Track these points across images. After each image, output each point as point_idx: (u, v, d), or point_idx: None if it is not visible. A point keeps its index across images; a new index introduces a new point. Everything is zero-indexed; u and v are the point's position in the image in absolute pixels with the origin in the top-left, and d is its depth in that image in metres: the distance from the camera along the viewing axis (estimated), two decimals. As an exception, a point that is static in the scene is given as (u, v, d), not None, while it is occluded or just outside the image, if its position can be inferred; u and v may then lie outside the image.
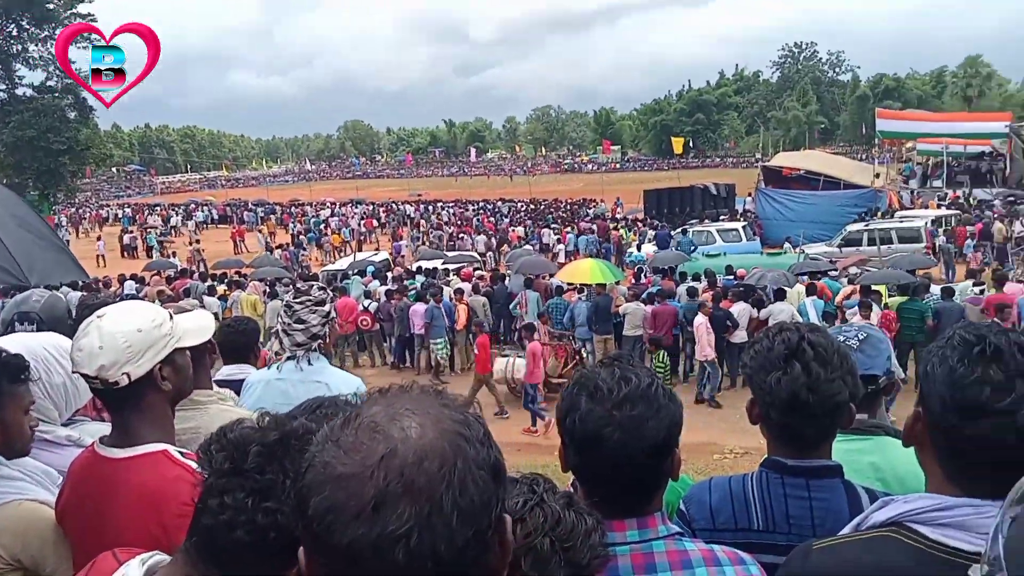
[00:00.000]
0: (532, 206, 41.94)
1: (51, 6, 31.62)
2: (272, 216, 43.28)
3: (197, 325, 1.91)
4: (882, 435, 1.93)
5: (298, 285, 3.03)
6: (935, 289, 12.40)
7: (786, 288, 12.50)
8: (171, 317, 1.77)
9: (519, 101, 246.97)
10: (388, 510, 0.68)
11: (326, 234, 33.89)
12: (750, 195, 31.42)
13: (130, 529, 1.56)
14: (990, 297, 11.69)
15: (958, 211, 24.38)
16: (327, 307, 2.86)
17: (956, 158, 32.28)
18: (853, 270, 15.07)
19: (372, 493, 0.69)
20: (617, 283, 14.48)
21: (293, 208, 47.33)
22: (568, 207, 40.85)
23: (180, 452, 1.67)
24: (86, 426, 2.24)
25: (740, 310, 11.76)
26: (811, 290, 12.67)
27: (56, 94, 32.88)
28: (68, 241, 35.45)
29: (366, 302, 14.63)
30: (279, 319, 2.88)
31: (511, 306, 14.06)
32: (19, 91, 32.91)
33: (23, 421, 1.87)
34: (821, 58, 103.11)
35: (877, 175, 30.35)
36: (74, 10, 32.30)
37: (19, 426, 1.86)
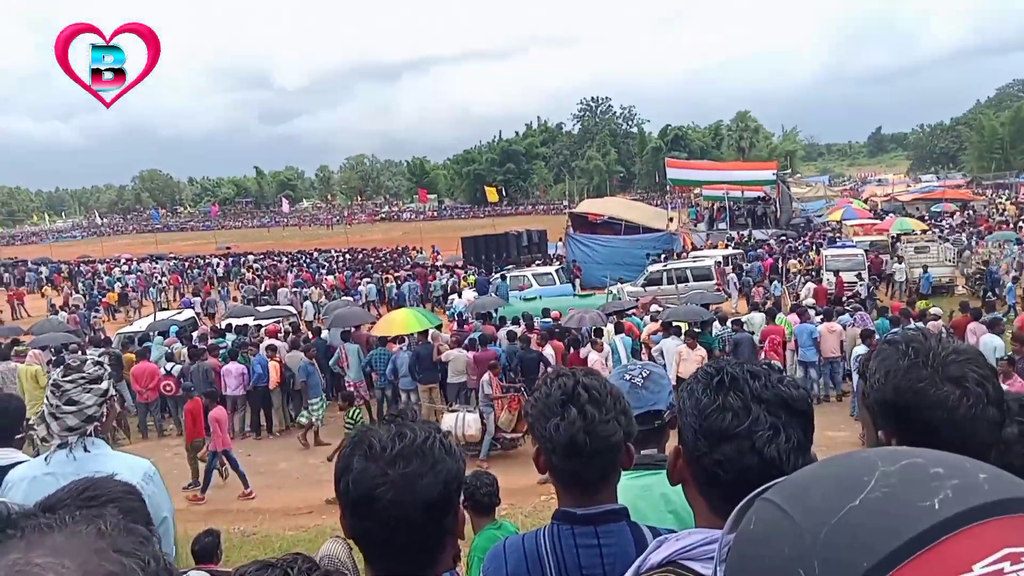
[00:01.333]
0: (350, 256, 41.26)
1: None
2: (53, 276, 39.13)
3: None
4: None
5: (68, 361, 2.67)
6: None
7: (603, 328, 13.19)
8: None
9: (331, 150, 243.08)
10: None
11: (125, 293, 31.13)
12: (560, 240, 33.02)
13: None
14: (765, 329, 13.08)
15: (741, 250, 27.15)
16: (104, 384, 2.56)
17: (736, 202, 36.07)
18: (654, 307, 16.20)
19: None
20: (438, 328, 14.51)
21: (82, 266, 43.09)
22: (388, 256, 40.62)
23: None
24: None
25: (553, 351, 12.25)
26: (619, 328, 13.47)
27: None
28: None
29: (168, 365, 13.53)
30: (45, 401, 2.53)
31: (331, 361, 13.62)
32: None
33: None
34: (615, 112, 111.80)
35: (671, 219, 33.13)
36: None
37: None
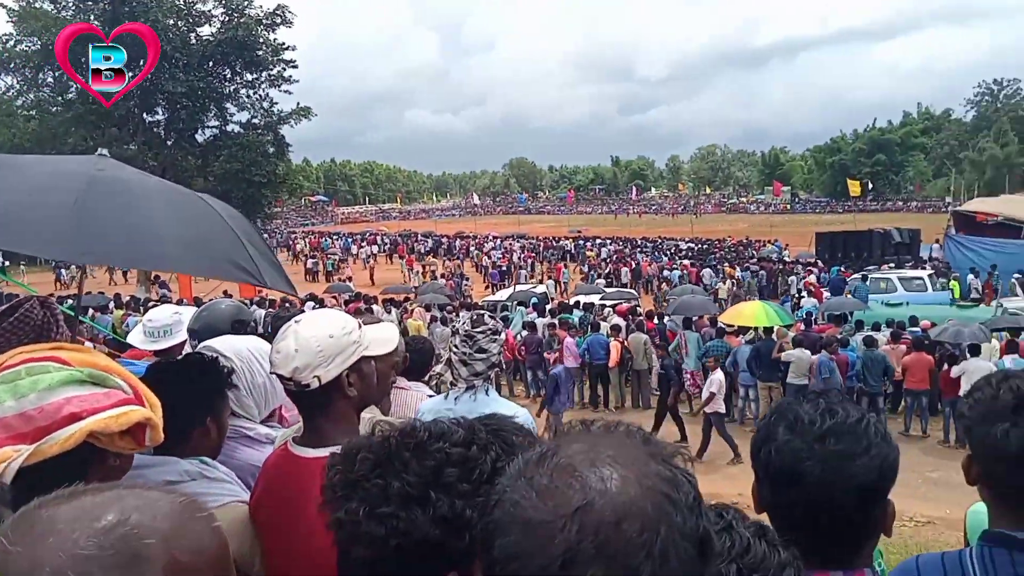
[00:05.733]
0: (694, 245, 41.03)
1: (260, 53, 35.42)
2: (439, 247, 45.52)
3: (383, 336, 1.94)
4: None
5: (471, 314, 2.96)
6: None
7: (981, 344, 11.31)
8: (360, 326, 1.81)
9: (683, 140, 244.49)
10: (578, 570, 0.62)
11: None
12: (937, 242, 28.94)
13: (319, 527, 1.63)
14: None
15: None
16: (502, 336, 2.85)
17: None
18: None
19: (563, 548, 0.62)
20: (788, 327, 13.73)
21: (459, 240, 49.26)
22: (732, 248, 39.55)
23: None
24: (280, 430, 2.33)
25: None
26: (1012, 347, 11.40)
27: (259, 131, 36.54)
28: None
29: (524, 333, 14.84)
30: (455, 348, 2.83)
31: (670, 347, 13.71)
32: (229, 128, 36.93)
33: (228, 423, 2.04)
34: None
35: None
36: (280, 56, 36.03)
37: (227, 428, 2.04)
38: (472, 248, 44.01)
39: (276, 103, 37.14)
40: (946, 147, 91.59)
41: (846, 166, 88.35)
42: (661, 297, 23.58)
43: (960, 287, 21.59)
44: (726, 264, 30.58)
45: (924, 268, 23.89)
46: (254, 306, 16.03)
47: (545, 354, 13.72)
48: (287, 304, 14.92)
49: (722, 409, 10.55)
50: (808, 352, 11.62)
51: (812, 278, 24.67)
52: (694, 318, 14.08)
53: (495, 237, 49.49)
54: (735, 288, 25.19)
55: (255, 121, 36.87)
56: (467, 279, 30.18)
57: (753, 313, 13.64)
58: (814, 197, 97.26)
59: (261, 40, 35.35)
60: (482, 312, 3.04)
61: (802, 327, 15.18)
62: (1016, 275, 21.39)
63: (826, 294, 21.34)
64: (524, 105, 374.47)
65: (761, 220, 66.74)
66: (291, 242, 51.74)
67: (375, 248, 46.41)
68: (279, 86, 36.65)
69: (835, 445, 1.17)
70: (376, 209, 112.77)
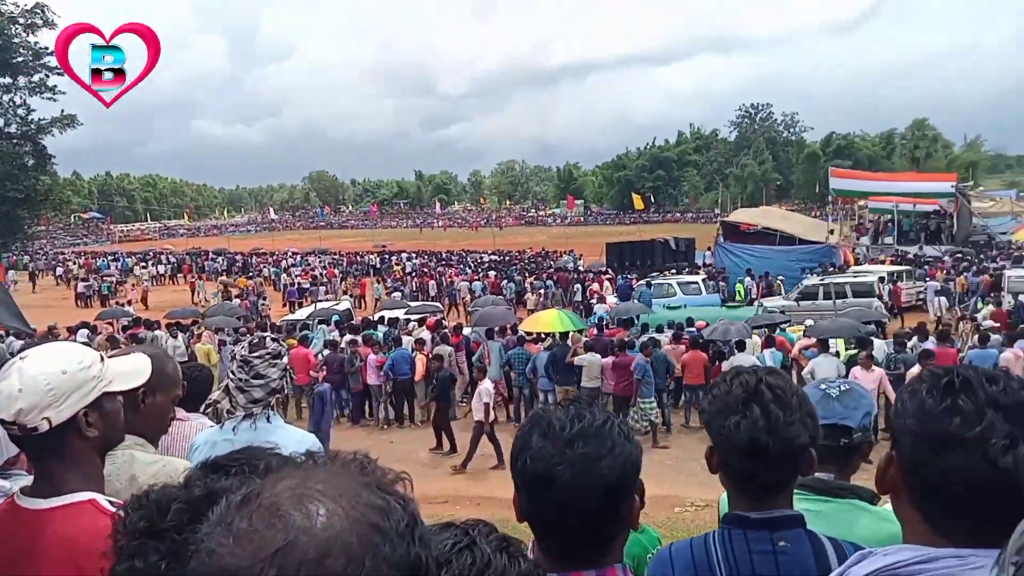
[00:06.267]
0: (497, 257, 42.22)
1: (16, 56, 31.55)
2: (233, 266, 42.94)
3: (131, 368, 1.78)
4: (851, 499, 1.81)
5: (251, 338, 2.83)
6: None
7: (746, 340, 12.66)
8: (102, 359, 1.66)
9: (485, 155, 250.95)
10: None
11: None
12: (709, 249, 32.08)
13: (49, 588, 1.44)
14: (938, 351, 11.84)
15: (909, 267, 25.10)
16: (284, 359, 2.74)
17: (906, 216, 33.51)
18: (808, 322, 15.32)
19: None
20: (580, 332, 14.49)
21: (255, 258, 46.86)
22: (532, 259, 41.19)
23: (110, 501, 1.56)
24: (23, 480, 2.11)
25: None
26: (770, 342, 12.85)
27: (15, 141, 32.46)
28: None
29: (326, 352, 14.40)
30: (232, 374, 2.69)
31: (474, 357, 13.95)
32: (-23, 137, 32.46)
33: None
34: (776, 119, 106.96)
35: (831, 231, 31.27)
36: (42, 61, 32.25)
37: None
38: (269, 266, 41.99)
39: (34, 110, 33.26)
40: (714, 164, 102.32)
41: (631, 181, 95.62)
42: (470, 309, 24.01)
43: (743, 289, 24.11)
44: (527, 275, 31.81)
45: (698, 273, 26.40)
46: (11, 337, 14.14)
47: (313, 372, 13.37)
48: (52, 331, 13.30)
49: (481, 417, 10.85)
50: (599, 356, 12.33)
51: (596, 286, 26.39)
52: (495, 328, 14.44)
53: (295, 253, 47.71)
54: (542, 299, 26.23)
55: (10, 130, 32.73)
56: (265, 299, 28.76)
57: (550, 320, 14.30)
58: (604, 210, 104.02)
59: (17, 41, 31.47)
60: (264, 335, 2.90)
61: (595, 332, 16.13)
62: (780, 277, 24.32)
63: (612, 299, 22.83)
64: (324, 117, 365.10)
65: (558, 232, 70.17)
66: (59, 263, 46.42)
67: (160, 268, 42.93)
68: (41, 93, 32.80)
69: (583, 448, 1.22)
70: (160, 226, 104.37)
